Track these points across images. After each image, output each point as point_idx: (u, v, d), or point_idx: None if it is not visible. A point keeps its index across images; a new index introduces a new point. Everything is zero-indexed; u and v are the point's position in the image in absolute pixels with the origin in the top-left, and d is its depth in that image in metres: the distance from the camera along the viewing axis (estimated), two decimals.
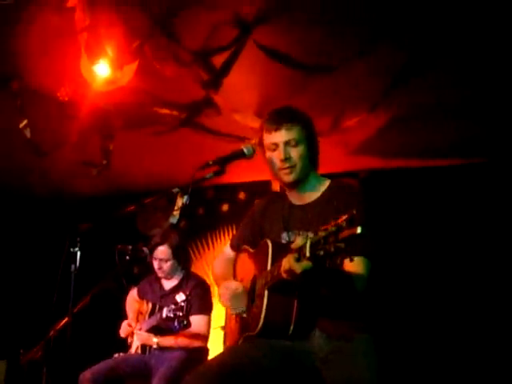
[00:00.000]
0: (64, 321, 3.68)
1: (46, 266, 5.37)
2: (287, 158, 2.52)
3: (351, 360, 2.32)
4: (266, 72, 4.27)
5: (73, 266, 3.08)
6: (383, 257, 2.43)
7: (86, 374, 3.91)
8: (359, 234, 1.82)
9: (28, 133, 4.77)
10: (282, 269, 2.13)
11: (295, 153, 2.52)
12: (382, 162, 5.66)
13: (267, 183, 5.70)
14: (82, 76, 4.10)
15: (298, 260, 2.04)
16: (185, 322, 4.01)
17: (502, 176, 5.33)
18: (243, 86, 4.48)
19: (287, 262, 2.09)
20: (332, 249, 1.89)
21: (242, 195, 6.44)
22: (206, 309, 4.30)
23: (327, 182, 2.63)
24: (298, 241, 2.04)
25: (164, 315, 3.97)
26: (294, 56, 4.07)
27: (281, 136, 2.52)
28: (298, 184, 2.59)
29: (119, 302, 4.70)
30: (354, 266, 2.31)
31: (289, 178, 2.56)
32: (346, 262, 2.13)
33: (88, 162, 5.37)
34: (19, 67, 4.22)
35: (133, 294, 4.65)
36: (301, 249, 2.02)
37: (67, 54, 4.00)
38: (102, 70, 4.00)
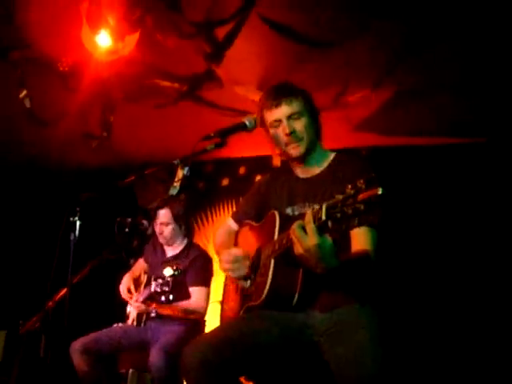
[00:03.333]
0: (63, 291, 3.69)
1: (45, 237, 5.36)
2: (293, 132, 2.50)
3: (353, 334, 2.31)
4: (269, 45, 4.23)
5: (72, 236, 3.07)
6: (388, 229, 2.41)
7: (77, 344, 3.91)
8: (379, 197, 1.81)
9: (28, 103, 4.75)
10: (292, 231, 2.10)
11: (299, 125, 2.51)
12: (384, 139, 5.64)
13: (268, 158, 5.70)
14: (83, 46, 4.07)
15: (314, 223, 2.01)
16: (170, 298, 3.99)
17: (502, 156, 5.31)
18: (246, 59, 4.44)
19: (303, 222, 2.06)
20: (350, 211, 1.87)
21: (242, 170, 6.42)
22: (206, 281, 4.29)
23: (332, 155, 2.62)
24: (315, 206, 2.02)
25: (153, 289, 3.98)
26: (298, 29, 4.03)
27: (282, 111, 2.51)
28: (306, 157, 2.58)
29: (117, 275, 4.71)
30: (362, 236, 2.32)
31: (297, 151, 2.54)
32: (354, 232, 2.11)
33: (88, 134, 5.35)
34: (20, 37, 4.18)
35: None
36: (317, 211, 2.00)
37: (69, 24, 3.97)
38: (103, 40, 3.98)
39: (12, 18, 3.94)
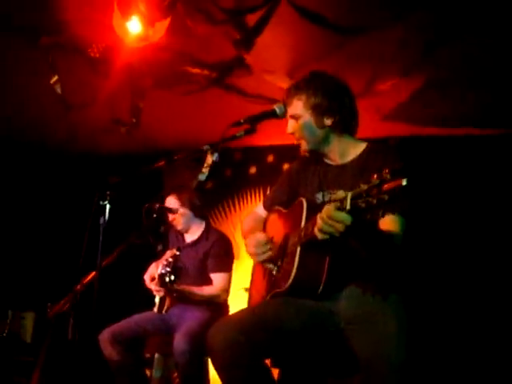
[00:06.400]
0: (91, 275, 3.73)
1: (74, 221, 5.43)
2: (292, 133, 2.60)
3: (380, 323, 2.31)
4: (299, 32, 4.20)
5: (102, 219, 3.10)
6: (417, 219, 2.39)
7: (105, 334, 3.95)
8: (403, 188, 1.80)
9: (58, 88, 4.78)
10: (319, 218, 2.08)
11: (297, 127, 2.57)
12: (412, 128, 5.59)
13: (296, 147, 5.67)
14: (114, 32, 4.08)
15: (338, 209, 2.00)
16: (172, 278, 4.01)
17: None
18: (275, 47, 4.41)
19: (326, 211, 2.03)
20: (374, 201, 1.86)
21: (270, 158, 6.40)
22: (228, 266, 4.29)
23: (363, 145, 2.61)
24: (339, 193, 2.01)
25: (159, 272, 4.00)
26: (328, 17, 4.00)
27: (288, 111, 2.58)
28: (318, 151, 2.62)
29: (145, 259, 4.75)
30: (389, 223, 2.30)
31: (302, 148, 2.63)
32: (382, 219, 2.11)
33: (117, 120, 5.38)
34: (51, 22, 4.21)
35: None
36: (341, 201, 1.99)
37: (100, 10, 3.98)
38: (134, 27, 3.98)
39: (44, 4, 3.97)
